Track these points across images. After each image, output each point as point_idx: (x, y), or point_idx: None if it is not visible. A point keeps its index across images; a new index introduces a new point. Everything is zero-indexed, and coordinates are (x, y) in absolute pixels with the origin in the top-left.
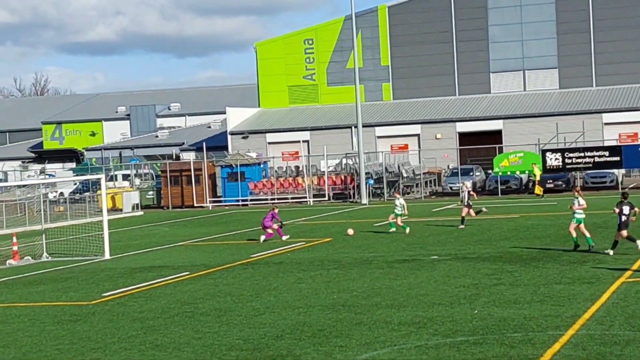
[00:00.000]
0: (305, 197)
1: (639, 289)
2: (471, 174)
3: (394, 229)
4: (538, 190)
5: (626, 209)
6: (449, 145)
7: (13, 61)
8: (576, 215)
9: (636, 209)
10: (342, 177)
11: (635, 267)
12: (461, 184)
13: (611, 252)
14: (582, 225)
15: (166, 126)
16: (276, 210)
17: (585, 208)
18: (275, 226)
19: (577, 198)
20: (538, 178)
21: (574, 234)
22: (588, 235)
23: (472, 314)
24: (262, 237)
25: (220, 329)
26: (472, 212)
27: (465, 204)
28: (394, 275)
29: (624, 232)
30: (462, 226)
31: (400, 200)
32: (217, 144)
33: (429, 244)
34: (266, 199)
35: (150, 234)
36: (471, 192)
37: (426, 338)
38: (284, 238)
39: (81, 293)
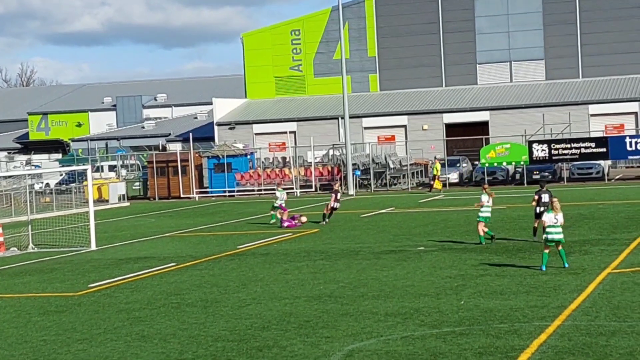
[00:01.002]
0: (292, 188)
1: (625, 280)
2: (458, 165)
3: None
4: (437, 184)
5: (545, 197)
6: (436, 137)
7: None
8: (481, 214)
9: (555, 198)
10: (329, 168)
11: (621, 258)
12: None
13: (535, 238)
14: (482, 224)
15: (152, 117)
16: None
17: (490, 206)
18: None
19: (484, 195)
20: (439, 173)
21: (481, 233)
22: (481, 234)
23: (459, 304)
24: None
25: (207, 320)
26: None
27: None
28: (380, 266)
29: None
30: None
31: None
32: (203, 134)
33: (415, 235)
34: (253, 190)
35: (137, 225)
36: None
37: (412, 329)
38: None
39: (67, 284)
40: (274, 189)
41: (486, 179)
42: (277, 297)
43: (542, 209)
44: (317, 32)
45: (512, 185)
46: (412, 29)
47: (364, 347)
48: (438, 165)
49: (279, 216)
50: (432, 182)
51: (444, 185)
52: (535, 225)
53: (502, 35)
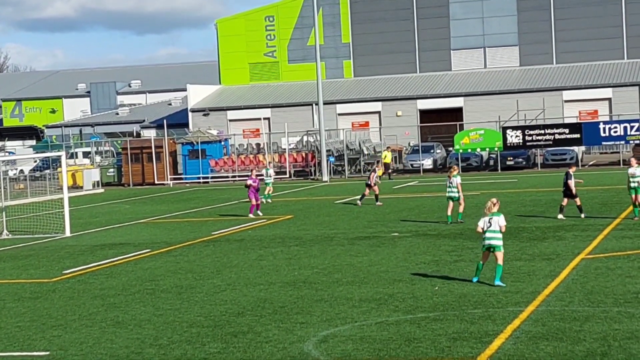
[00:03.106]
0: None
1: (599, 266)
2: (432, 151)
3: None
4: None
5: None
6: (410, 123)
7: None
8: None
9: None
10: (303, 155)
11: (595, 244)
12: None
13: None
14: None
15: (127, 103)
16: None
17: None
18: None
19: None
20: (390, 161)
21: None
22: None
23: (433, 290)
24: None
25: (181, 305)
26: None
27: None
28: (354, 252)
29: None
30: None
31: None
32: (177, 121)
33: (389, 221)
34: (227, 177)
35: (111, 211)
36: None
37: (387, 314)
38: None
39: (41, 270)
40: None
41: (460, 165)
42: (251, 283)
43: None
44: (291, 18)
45: (486, 171)
46: (386, 15)
47: (339, 333)
48: (389, 155)
49: (266, 193)
50: (388, 170)
51: (418, 171)
52: (564, 204)
53: (476, 21)
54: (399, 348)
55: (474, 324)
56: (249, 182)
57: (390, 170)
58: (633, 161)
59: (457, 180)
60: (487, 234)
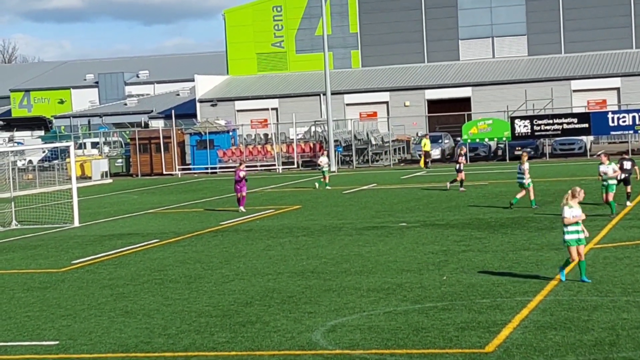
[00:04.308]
0: (274, 165)
1: (607, 255)
2: (440, 141)
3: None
4: (423, 162)
5: (627, 164)
6: (418, 113)
7: None
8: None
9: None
10: (311, 145)
11: (603, 233)
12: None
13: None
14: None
15: (135, 94)
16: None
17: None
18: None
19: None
20: (429, 149)
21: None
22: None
23: (441, 280)
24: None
25: (190, 295)
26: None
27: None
28: (362, 242)
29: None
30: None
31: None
32: (185, 111)
33: (397, 211)
34: (235, 167)
35: (120, 201)
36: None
37: (395, 304)
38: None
39: (50, 260)
40: (255, 166)
41: (468, 155)
42: (260, 273)
43: (623, 175)
44: (298, 8)
45: (494, 161)
46: (394, 4)
47: (347, 323)
48: (428, 143)
49: (323, 181)
50: (427, 159)
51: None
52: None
53: (484, 11)
54: (407, 338)
55: (482, 314)
56: (242, 173)
57: (429, 159)
58: (603, 158)
59: (525, 166)
60: (576, 227)
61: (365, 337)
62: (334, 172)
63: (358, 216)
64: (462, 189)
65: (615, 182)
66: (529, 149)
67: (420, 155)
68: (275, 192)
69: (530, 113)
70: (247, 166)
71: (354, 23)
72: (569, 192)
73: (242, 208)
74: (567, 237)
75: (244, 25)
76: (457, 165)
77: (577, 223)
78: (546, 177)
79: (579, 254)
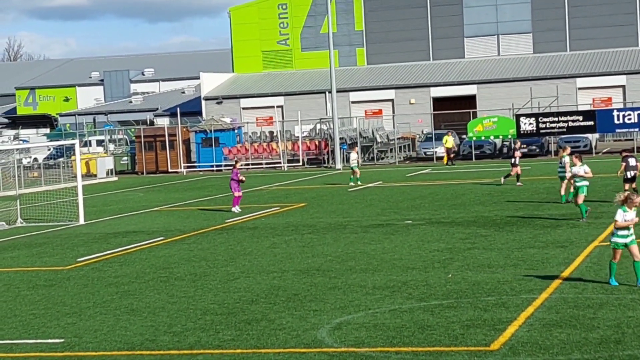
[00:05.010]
0: (280, 163)
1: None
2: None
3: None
4: (446, 159)
5: (632, 161)
6: (423, 110)
7: None
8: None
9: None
10: (317, 143)
11: (609, 230)
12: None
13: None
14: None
15: (140, 91)
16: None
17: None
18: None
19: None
20: (451, 145)
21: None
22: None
23: (446, 278)
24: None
25: (195, 293)
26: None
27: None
28: (368, 239)
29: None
30: (520, 183)
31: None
32: (191, 109)
33: (403, 208)
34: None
35: (125, 199)
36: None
37: (400, 302)
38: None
39: (56, 258)
40: (260, 164)
41: (473, 152)
42: (265, 271)
43: (632, 173)
44: (304, 6)
45: (499, 159)
46: (399, 2)
47: (352, 320)
48: (450, 140)
49: (353, 176)
50: (450, 155)
51: (431, 159)
52: (626, 188)
53: (489, 9)
54: (412, 335)
55: (487, 312)
56: (242, 178)
57: (452, 155)
58: (575, 159)
59: (565, 160)
60: (626, 231)
61: (371, 334)
62: (339, 169)
63: (363, 214)
64: (519, 183)
65: (587, 183)
66: (534, 147)
67: (444, 152)
68: (281, 189)
69: (535, 111)
70: (252, 164)
71: (359, 21)
72: (623, 195)
73: (237, 208)
74: (615, 239)
75: (249, 23)
76: (513, 160)
77: (627, 228)
78: (551, 174)
79: (633, 254)
